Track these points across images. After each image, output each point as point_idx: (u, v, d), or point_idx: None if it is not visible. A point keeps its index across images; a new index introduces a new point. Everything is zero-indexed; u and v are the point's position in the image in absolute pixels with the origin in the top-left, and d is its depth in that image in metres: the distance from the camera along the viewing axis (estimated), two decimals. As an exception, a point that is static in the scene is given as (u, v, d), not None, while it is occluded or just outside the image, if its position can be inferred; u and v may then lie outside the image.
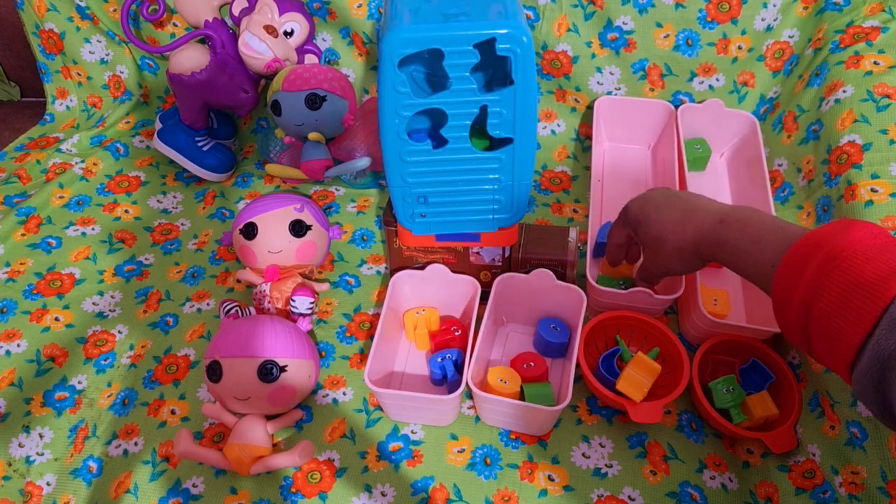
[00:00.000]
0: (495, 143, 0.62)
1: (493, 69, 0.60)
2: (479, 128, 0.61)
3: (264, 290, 0.78)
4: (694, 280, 0.74)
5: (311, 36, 0.98)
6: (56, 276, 0.84)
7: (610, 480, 0.65)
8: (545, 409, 0.63)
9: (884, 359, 0.40)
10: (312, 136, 0.88)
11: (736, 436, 0.67)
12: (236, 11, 0.94)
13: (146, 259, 0.90)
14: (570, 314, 0.75)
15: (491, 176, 0.64)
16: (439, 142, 0.61)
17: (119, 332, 0.81)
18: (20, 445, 0.70)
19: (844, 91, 0.78)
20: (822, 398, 0.65)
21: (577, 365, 0.69)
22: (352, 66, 1.01)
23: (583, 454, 0.67)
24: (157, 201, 0.98)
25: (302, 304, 0.76)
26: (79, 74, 1.08)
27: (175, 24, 1.01)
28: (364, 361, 0.70)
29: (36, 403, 0.73)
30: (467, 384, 0.65)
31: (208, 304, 0.84)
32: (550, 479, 0.65)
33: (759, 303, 0.78)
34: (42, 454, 0.70)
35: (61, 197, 0.93)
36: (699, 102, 0.93)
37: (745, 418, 0.67)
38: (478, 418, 0.71)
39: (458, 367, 0.71)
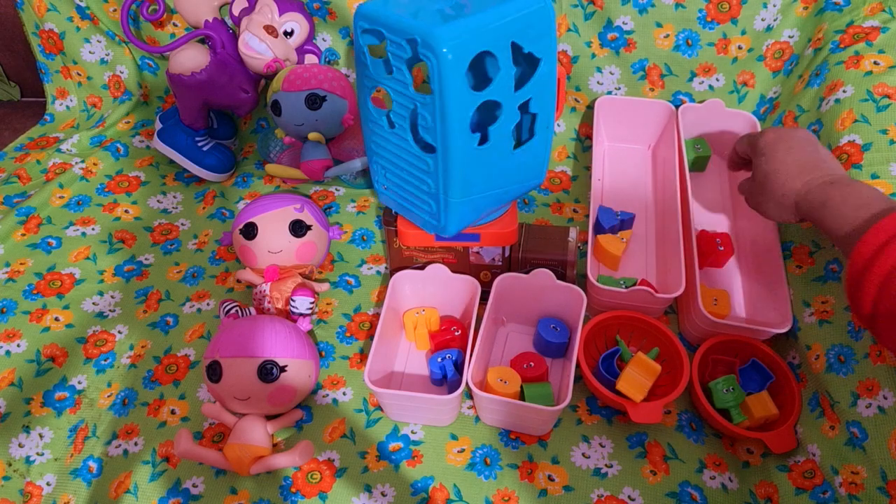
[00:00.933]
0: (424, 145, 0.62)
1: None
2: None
3: (264, 290, 0.78)
4: (694, 280, 0.74)
5: (311, 36, 0.98)
6: (56, 276, 0.84)
7: (610, 480, 0.65)
8: (545, 409, 0.63)
9: None
10: (312, 136, 0.89)
11: (736, 436, 0.67)
12: (236, 11, 0.94)
13: (146, 259, 0.90)
14: (570, 314, 0.75)
15: (422, 178, 0.63)
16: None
17: (119, 332, 0.81)
18: (20, 445, 0.70)
19: (844, 91, 0.78)
20: (822, 398, 0.65)
21: (577, 365, 0.69)
22: (352, 66, 1.01)
23: (583, 454, 0.67)
24: (157, 201, 0.98)
25: (302, 304, 0.76)
26: (79, 74, 1.08)
27: (175, 24, 1.01)
28: (364, 361, 0.70)
29: (36, 403, 0.73)
30: (467, 384, 0.65)
31: (208, 304, 0.84)
32: (550, 479, 0.65)
33: (759, 304, 0.78)
34: (42, 454, 0.70)
35: (61, 197, 0.93)
36: (699, 102, 0.94)
37: (745, 418, 0.67)
38: (478, 418, 0.71)
39: (458, 367, 0.71)
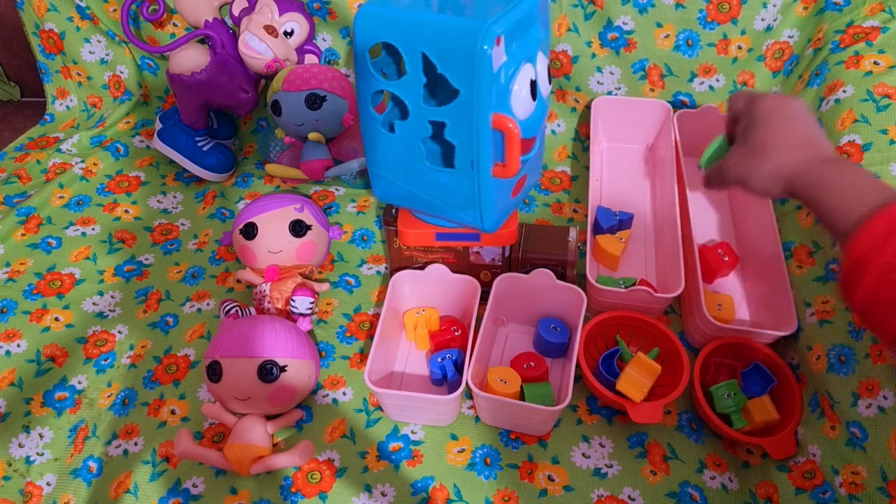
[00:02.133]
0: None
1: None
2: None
3: (264, 290, 0.78)
4: (695, 282, 0.74)
5: (311, 36, 0.98)
6: (56, 276, 0.84)
7: (610, 480, 0.65)
8: (545, 409, 0.63)
9: None
10: (312, 136, 0.89)
11: (736, 440, 0.67)
12: (236, 11, 0.94)
13: (146, 259, 0.90)
14: (570, 314, 0.75)
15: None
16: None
17: (119, 332, 0.81)
18: (20, 445, 0.70)
19: (844, 91, 0.78)
20: (821, 399, 0.65)
21: (577, 365, 0.69)
22: (352, 66, 1.01)
23: (583, 454, 0.67)
24: (157, 201, 0.98)
25: (302, 304, 0.76)
26: (79, 74, 1.08)
27: (175, 24, 1.01)
28: (364, 361, 0.70)
29: (36, 403, 0.73)
30: (467, 384, 0.65)
31: (208, 304, 0.84)
32: (550, 479, 0.65)
33: (763, 306, 0.78)
34: (42, 454, 0.70)
35: (61, 197, 0.93)
36: (699, 104, 0.93)
37: (746, 423, 0.67)
38: (478, 418, 0.71)
39: (458, 367, 0.71)
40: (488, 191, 0.61)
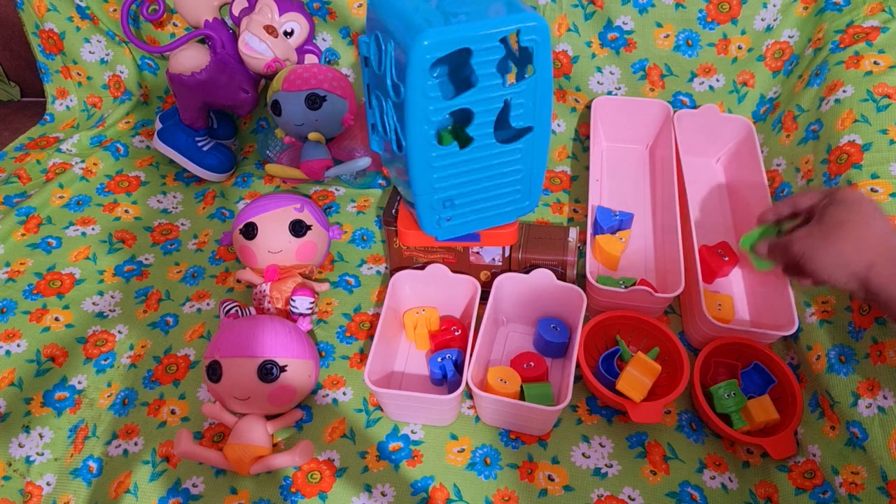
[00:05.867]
0: (512, 135, 0.62)
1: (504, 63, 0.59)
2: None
3: (264, 290, 0.78)
4: (696, 282, 0.74)
5: (311, 36, 0.98)
6: (56, 276, 0.84)
7: (610, 480, 0.65)
8: (545, 409, 0.63)
9: None
10: (312, 136, 0.89)
11: (736, 440, 0.67)
12: (236, 11, 0.94)
13: (146, 259, 0.90)
14: (570, 314, 0.75)
15: (513, 168, 0.64)
16: (464, 142, 0.60)
17: (119, 332, 0.81)
18: (20, 445, 0.69)
19: (844, 91, 0.78)
20: (821, 399, 0.65)
21: (577, 365, 0.69)
22: (352, 66, 1.01)
23: (583, 454, 0.67)
24: (157, 201, 0.98)
25: (302, 304, 0.76)
26: (79, 74, 1.08)
27: (175, 24, 1.01)
28: (364, 361, 0.70)
29: (36, 403, 0.73)
30: (467, 384, 0.65)
31: (208, 304, 0.84)
32: (550, 479, 0.65)
33: (763, 306, 0.78)
34: (42, 454, 0.70)
35: (61, 197, 0.93)
36: (699, 104, 0.93)
37: (746, 423, 0.67)
38: (478, 418, 0.71)
39: (458, 367, 0.71)
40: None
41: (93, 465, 0.68)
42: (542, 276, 0.74)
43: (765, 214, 0.68)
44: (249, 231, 0.80)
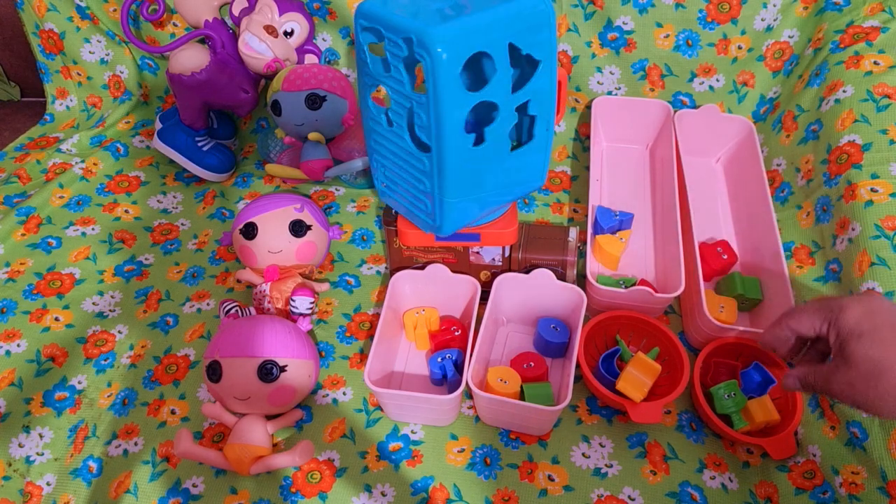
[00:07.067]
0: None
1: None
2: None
3: (264, 290, 0.78)
4: (698, 283, 0.74)
5: (311, 36, 0.98)
6: (56, 276, 0.84)
7: (610, 480, 0.65)
8: (545, 409, 0.63)
9: None
10: (312, 136, 0.89)
11: (736, 440, 0.67)
12: (236, 11, 0.94)
13: (146, 259, 0.90)
14: (570, 314, 0.75)
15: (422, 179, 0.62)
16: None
17: (119, 332, 0.81)
18: (20, 445, 0.69)
19: (844, 91, 0.78)
20: (821, 398, 0.65)
21: (577, 365, 0.69)
22: (352, 66, 1.01)
23: (583, 454, 0.67)
24: (157, 201, 0.98)
25: (302, 304, 0.76)
26: (79, 74, 1.08)
27: (175, 24, 1.01)
28: (364, 361, 0.70)
29: (36, 403, 0.73)
30: (467, 384, 0.65)
31: (208, 304, 0.84)
32: (550, 479, 0.65)
33: (763, 306, 0.78)
34: (42, 454, 0.70)
35: (61, 197, 0.93)
36: (699, 104, 0.93)
37: (746, 424, 0.67)
38: (478, 418, 0.71)
39: (458, 367, 0.71)
40: (549, 142, 0.65)
41: (93, 465, 0.68)
42: (542, 276, 0.74)
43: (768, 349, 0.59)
44: (249, 231, 0.80)
